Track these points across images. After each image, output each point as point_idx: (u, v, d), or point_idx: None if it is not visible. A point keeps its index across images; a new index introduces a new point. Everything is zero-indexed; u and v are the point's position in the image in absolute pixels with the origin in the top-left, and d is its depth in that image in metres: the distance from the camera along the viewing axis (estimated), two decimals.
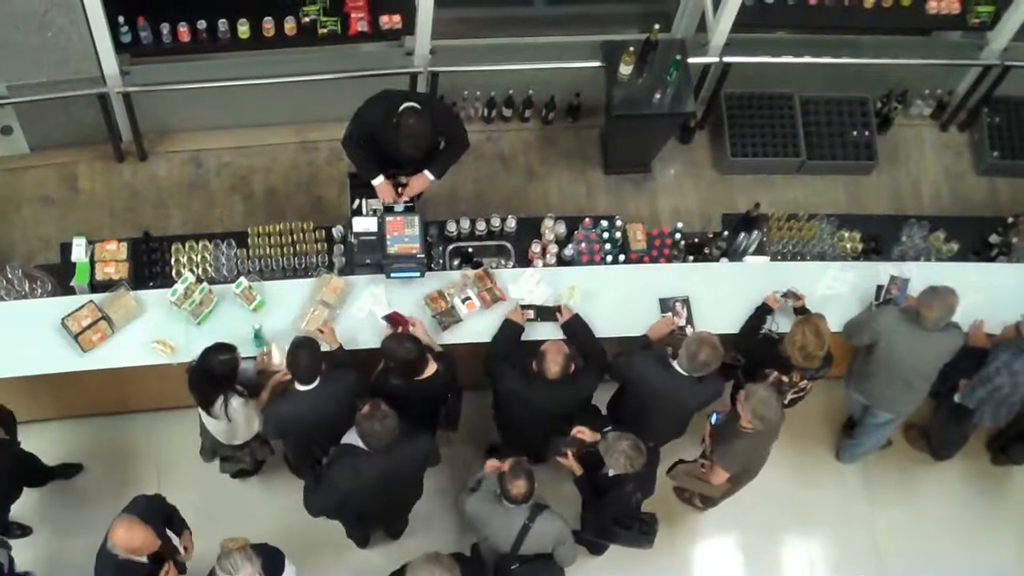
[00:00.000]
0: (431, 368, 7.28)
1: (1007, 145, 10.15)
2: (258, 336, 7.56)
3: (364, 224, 7.96)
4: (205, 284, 7.71)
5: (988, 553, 9.02)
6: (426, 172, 8.03)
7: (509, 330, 7.77)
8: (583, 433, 7.39)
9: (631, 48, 8.87)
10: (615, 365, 7.65)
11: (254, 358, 7.52)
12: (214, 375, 7.13)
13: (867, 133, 9.96)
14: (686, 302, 8.10)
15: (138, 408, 8.59)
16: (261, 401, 7.39)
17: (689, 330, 7.94)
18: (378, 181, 7.95)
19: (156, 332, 7.64)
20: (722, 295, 8.15)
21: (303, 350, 7.07)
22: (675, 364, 7.39)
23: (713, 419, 7.68)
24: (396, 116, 7.60)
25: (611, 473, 7.29)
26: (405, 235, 7.88)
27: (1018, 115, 10.22)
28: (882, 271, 8.45)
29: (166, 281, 8.13)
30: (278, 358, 7.45)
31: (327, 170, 9.41)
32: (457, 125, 8.13)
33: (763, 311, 7.98)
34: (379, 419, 6.77)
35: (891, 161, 10.16)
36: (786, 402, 7.90)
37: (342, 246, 8.37)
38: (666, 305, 8.07)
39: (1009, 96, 10.10)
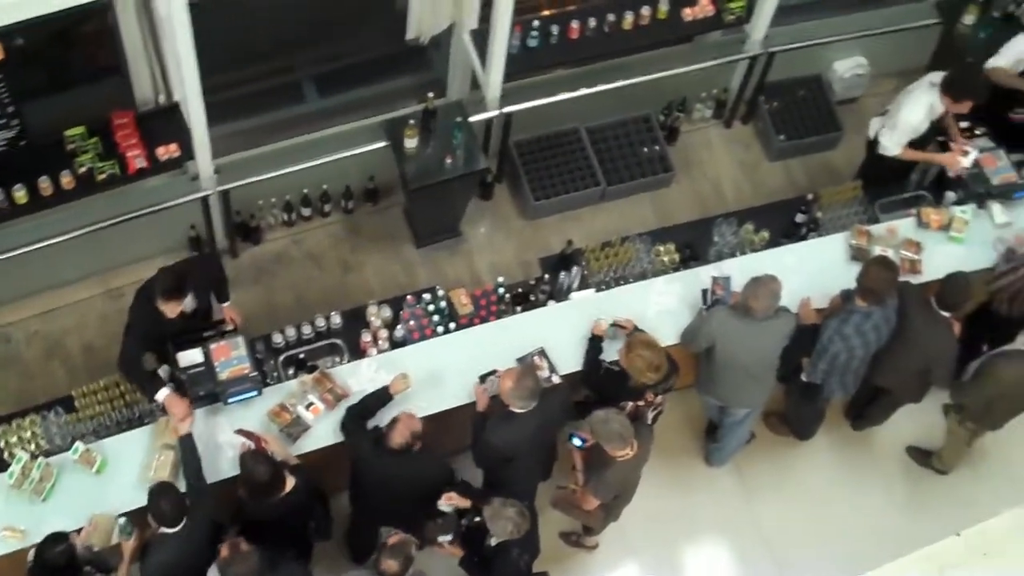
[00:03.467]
0: (289, 483, 7.16)
1: (790, 127, 10.50)
2: (124, 528, 7.22)
3: (189, 357, 7.80)
4: (41, 459, 7.45)
5: (869, 514, 9.20)
6: (225, 305, 8.09)
7: (376, 396, 7.73)
8: (452, 499, 7.37)
9: (411, 121, 8.93)
10: (474, 450, 7.71)
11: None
12: (56, 569, 6.87)
13: (657, 147, 10.18)
14: (543, 352, 8.16)
15: None
16: (125, 571, 7.16)
17: (555, 378, 7.99)
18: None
19: (1, 520, 7.35)
20: (567, 337, 8.23)
21: (163, 496, 6.90)
22: (518, 410, 7.44)
23: (577, 442, 7.70)
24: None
25: (495, 542, 7.25)
26: (233, 358, 7.77)
27: (793, 96, 10.60)
28: (703, 275, 8.63)
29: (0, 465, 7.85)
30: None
31: None
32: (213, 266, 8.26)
33: (594, 342, 8.08)
34: (240, 561, 6.63)
35: (687, 168, 10.40)
36: (650, 421, 7.99)
37: (172, 384, 8.18)
38: (525, 361, 8.10)
39: (780, 80, 10.45)
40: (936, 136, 9.13)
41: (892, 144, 8.95)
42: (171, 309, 7.51)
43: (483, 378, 7.95)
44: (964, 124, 9.29)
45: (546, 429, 7.72)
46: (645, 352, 7.55)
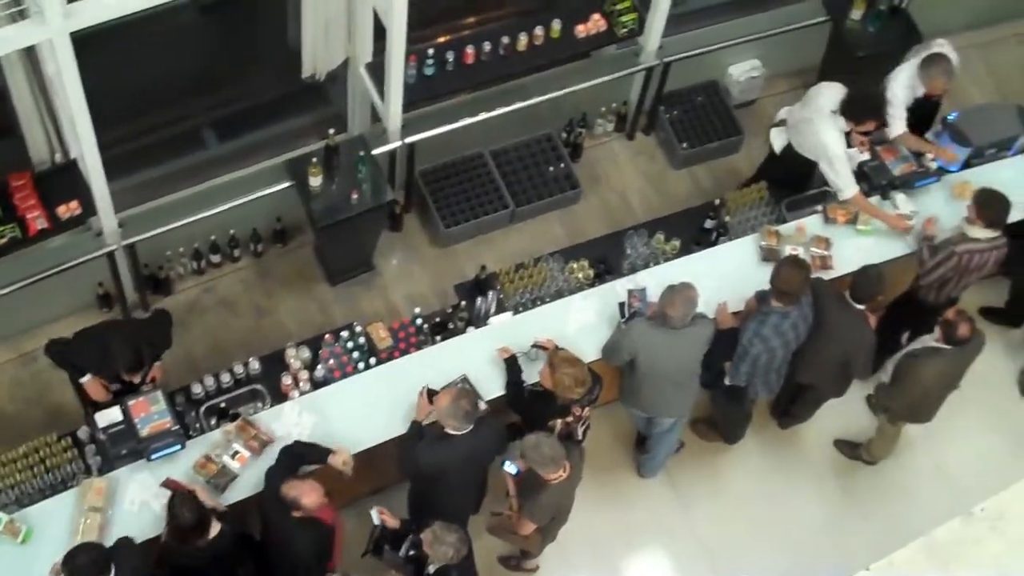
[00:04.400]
0: (215, 529, 7.06)
1: (692, 134, 10.57)
2: None
3: (108, 417, 7.67)
4: None
5: (803, 510, 9.29)
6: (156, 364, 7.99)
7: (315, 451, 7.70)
8: (384, 513, 7.45)
9: (314, 159, 8.86)
10: (401, 460, 7.66)
11: None
12: None
13: (563, 165, 10.20)
14: (466, 380, 8.13)
15: None
16: None
17: (482, 404, 7.94)
18: (87, 379, 7.82)
19: None
20: (489, 362, 8.20)
21: (79, 555, 6.76)
22: (452, 431, 7.44)
23: (511, 469, 7.66)
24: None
25: (433, 569, 7.21)
26: (153, 413, 7.64)
27: (692, 103, 10.69)
28: (619, 288, 8.66)
29: None
30: None
31: (56, 375, 9.00)
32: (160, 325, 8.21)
33: (511, 364, 8.08)
34: None
35: (594, 183, 10.44)
36: (580, 437, 7.98)
37: (93, 446, 8.03)
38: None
39: (678, 89, 10.54)
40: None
41: (847, 184, 8.98)
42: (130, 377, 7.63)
43: (430, 393, 7.87)
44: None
45: (477, 457, 7.67)
46: (569, 369, 7.57)
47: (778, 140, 9.40)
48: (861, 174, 9.21)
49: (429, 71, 9.13)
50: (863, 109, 8.86)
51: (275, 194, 9.11)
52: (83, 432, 8.03)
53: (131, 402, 7.65)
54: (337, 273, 9.73)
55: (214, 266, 9.66)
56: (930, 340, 8.40)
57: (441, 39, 9.37)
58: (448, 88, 9.35)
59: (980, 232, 8.49)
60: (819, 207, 9.17)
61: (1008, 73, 11.44)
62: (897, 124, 9.25)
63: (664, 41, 9.93)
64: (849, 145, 9.01)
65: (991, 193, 8.56)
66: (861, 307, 8.24)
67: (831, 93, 8.95)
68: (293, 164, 9.02)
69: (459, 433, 7.44)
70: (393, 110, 9.07)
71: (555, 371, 7.59)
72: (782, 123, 9.37)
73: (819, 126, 8.90)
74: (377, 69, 8.98)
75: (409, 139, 9.31)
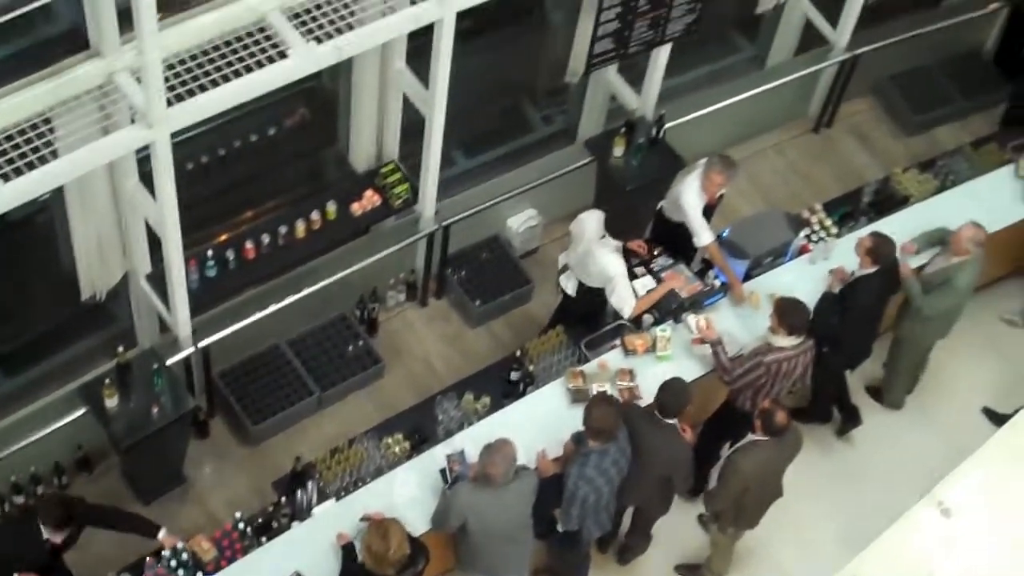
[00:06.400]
0: None
1: (483, 291, 10.69)
2: None
3: None
4: None
5: None
6: None
7: None
8: None
9: (107, 380, 8.64)
10: None
11: None
12: None
13: (361, 343, 10.19)
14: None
15: None
16: None
17: None
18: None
19: None
20: (320, 554, 8.07)
21: None
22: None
23: None
24: None
25: None
26: None
27: (478, 260, 10.83)
28: (438, 455, 8.65)
29: None
30: None
31: None
32: None
33: (347, 550, 7.94)
34: None
35: (396, 355, 10.44)
36: None
37: None
38: None
39: (462, 248, 10.73)
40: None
41: (628, 306, 9.23)
42: None
43: None
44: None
45: None
46: (379, 544, 7.41)
47: (569, 284, 9.62)
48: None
49: (211, 272, 9.06)
50: (624, 223, 9.19)
51: (72, 423, 8.84)
52: None
53: None
54: (149, 491, 9.42)
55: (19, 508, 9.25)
56: (750, 436, 8.59)
57: (219, 239, 9.32)
58: (233, 286, 9.29)
59: (784, 340, 8.77)
60: (616, 341, 9.35)
61: (771, 183, 11.99)
62: (703, 234, 9.62)
63: (440, 205, 10.09)
64: (632, 257, 9.36)
65: (789, 301, 8.87)
66: (672, 421, 8.39)
67: (592, 221, 9.31)
68: (86, 389, 8.77)
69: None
70: (181, 318, 8.95)
71: (367, 548, 7.47)
72: (566, 268, 9.60)
73: (596, 254, 9.20)
74: (158, 279, 8.88)
75: (202, 343, 9.18)
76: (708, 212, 9.93)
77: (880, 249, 9.25)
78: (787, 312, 8.78)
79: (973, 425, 10.21)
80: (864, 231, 9.83)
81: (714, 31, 11.44)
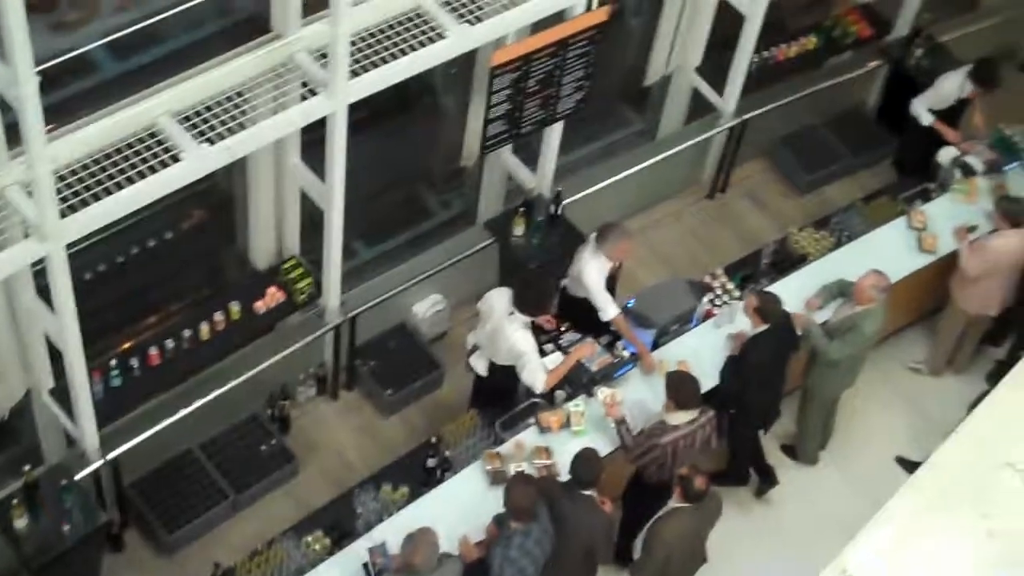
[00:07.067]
0: None
1: (393, 379, 10.64)
2: None
3: None
4: None
5: None
6: None
7: None
8: None
9: (15, 500, 8.41)
10: None
11: None
12: None
13: (274, 441, 10.07)
14: None
15: None
16: None
17: None
18: None
19: None
20: None
21: None
22: None
23: None
24: None
25: None
26: None
27: (387, 349, 10.80)
28: (359, 549, 8.53)
29: None
30: None
31: None
32: None
33: None
34: None
35: (310, 451, 10.33)
36: None
37: None
38: None
39: (370, 338, 10.70)
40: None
41: (539, 381, 9.22)
42: None
43: None
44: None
45: None
46: None
47: (480, 364, 9.63)
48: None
49: (116, 382, 8.93)
50: (530, 296, 9.24)
51: None
52: None
53: None
54: None
55: None
56: (671, 503, 8.60)
57: (123, 347, 9.18)
58: (140, 395, 9.15)
59: (677, 417, 8.80)
60: (531, 419, 9.35)
61: (670, 251, 12.13)
62: (609, 308, 9.67)
63: (345, 296, 10.06)
64: (541, 334, 9.42)
65: (676, 375, 8.95)
66: (590, 493, 8.38)
67: (500, 298, 9.35)
68: None
69: None
70: (87, 431, 8.77)
71: None
72: (476, 348, 9.60)
73: (506, 331, 9.21)
74: (62, 393, 8.72)
75: (111, 455, 8.99)
76: (611, 284, 10.01)
77: (766, 307, 9.37)
78: (673, 385, 8.84)
79: (888, 475, 10.31)
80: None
81: (605, 106, 11.64)
